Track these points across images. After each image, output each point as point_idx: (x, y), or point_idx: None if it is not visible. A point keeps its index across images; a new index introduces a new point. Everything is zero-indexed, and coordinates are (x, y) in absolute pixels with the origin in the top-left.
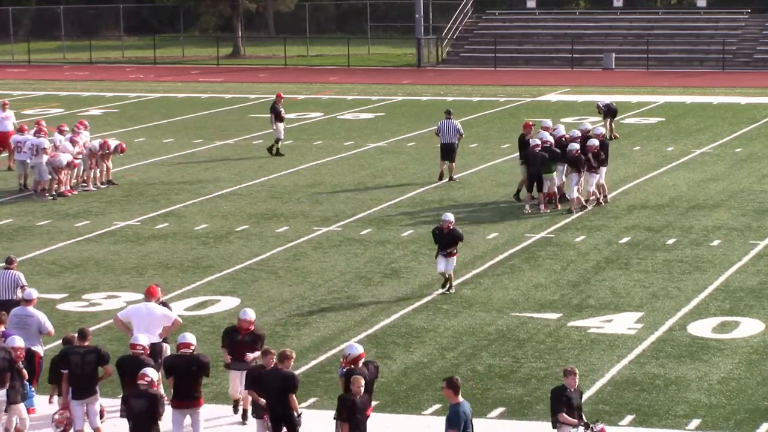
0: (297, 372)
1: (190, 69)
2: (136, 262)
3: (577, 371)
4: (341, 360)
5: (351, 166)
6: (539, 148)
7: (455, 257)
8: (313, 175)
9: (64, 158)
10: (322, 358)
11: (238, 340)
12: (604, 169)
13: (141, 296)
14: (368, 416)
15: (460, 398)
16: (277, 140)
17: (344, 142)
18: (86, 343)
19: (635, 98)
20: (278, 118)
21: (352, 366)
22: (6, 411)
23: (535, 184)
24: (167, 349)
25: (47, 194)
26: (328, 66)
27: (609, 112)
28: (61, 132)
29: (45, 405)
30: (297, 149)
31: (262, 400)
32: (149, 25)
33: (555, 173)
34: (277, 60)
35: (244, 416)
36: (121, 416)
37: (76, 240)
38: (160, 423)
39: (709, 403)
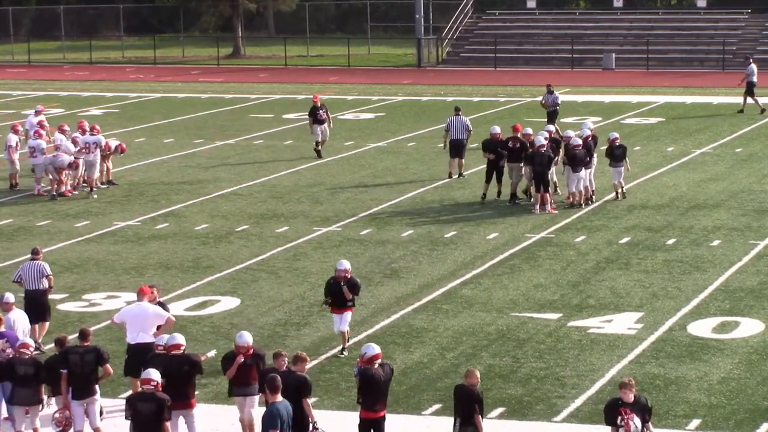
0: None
1: (190, 69)
2: (136, 262)
3: (630, 385)
4: (358, 359)
5: (351, 166)
6: (545, 148)
7: (350, 312)
8: (313, 175)
9: (66, 158)
10: (322, 358)
11: (239, 364)
12: (590, 171)
13: (136, 296)
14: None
15: (279, 398)
16: (316, 143)
17: (344, 142)
18: (86, 343)
19: (635, 98)
20: (316, 120)
21: (367, 365)
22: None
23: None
24: None
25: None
26: (328, 66)
27: (554, 114)
28: (62, 131)
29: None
30: (297, 149)
31: None
32: (149, 25)
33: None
34: (277, 60)
35: None
36: (126, 418)
37: (76, 240)
38: (167, 425)
39: (709, 403)
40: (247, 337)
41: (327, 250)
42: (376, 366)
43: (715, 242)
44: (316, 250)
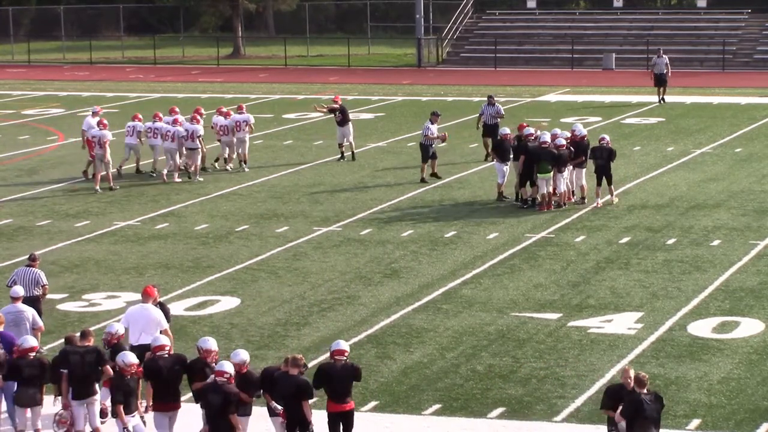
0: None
1: (190, 69)
2: (136, 262)
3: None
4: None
5: (351, 166)
6: (605, 142)
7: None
8: (313, 175)
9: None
10: (322, 358)
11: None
12: (583, 170)
13: (140, 296)
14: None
15: None
16: (350, 144)
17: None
18: (87, 343)
19: (635, 98)
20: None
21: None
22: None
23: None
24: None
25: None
26: (328, 66)
27: (494, 128)
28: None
29: (47, 404)
30: (297, 149)
31: (274, 404)
32: (149, 25)
33: (551, 174)
34: (277, 60)
35: None
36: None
37: (76, 240)
38: (233, 417)
39: (709, 403)
40: (243, 356)
41: (327, 250)
42: (336, 361)
43: (715, 242)
44: (316, 250)
